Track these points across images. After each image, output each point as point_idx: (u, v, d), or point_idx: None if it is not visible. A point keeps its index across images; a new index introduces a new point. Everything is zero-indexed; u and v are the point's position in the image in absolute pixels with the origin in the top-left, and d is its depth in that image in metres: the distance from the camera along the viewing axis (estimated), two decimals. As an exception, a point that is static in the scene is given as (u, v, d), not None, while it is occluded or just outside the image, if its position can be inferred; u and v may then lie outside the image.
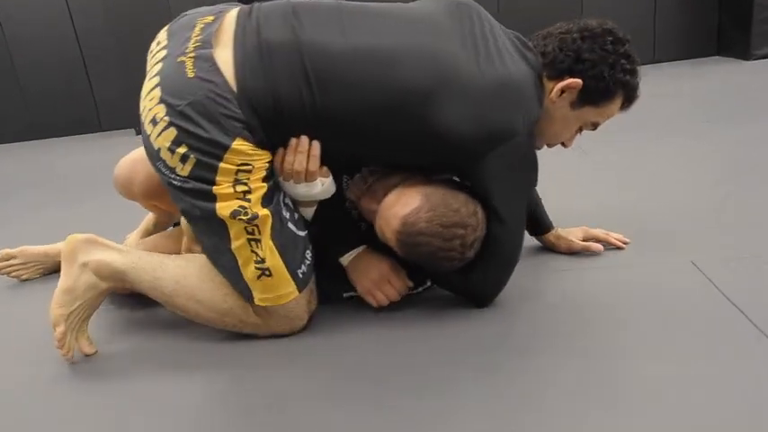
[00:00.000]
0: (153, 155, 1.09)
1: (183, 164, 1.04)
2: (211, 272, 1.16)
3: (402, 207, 1.10)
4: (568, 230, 1.43)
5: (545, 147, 1.29)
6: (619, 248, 1.40)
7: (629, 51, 1.17)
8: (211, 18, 1.12)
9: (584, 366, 0.99)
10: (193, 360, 1.17)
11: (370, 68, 1.05)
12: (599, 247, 1.39)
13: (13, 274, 1.60)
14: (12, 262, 1.59)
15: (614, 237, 1.42)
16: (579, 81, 1.14)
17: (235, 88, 1.02)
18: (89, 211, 2.23)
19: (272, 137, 1.07)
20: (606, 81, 1.15)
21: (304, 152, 1.07)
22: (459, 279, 1.20)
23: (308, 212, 1.19)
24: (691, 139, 2.22)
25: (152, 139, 1.07)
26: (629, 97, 1.20)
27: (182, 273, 1.17)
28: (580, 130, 1.26)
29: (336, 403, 0.97)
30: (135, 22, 3.66)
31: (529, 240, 1.45)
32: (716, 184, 1.75)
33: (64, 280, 1.16)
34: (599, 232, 1.42)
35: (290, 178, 1.10)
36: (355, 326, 1.21)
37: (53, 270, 1.61)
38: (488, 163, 1.10)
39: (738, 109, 2.59)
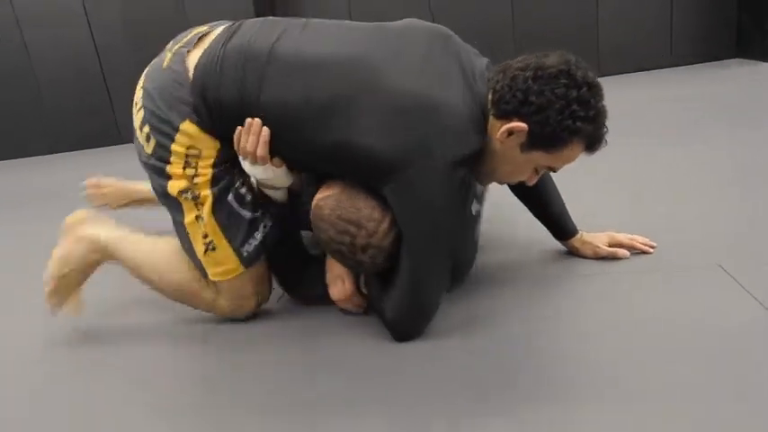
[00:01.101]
0: (135, 137, 1.26)
1: (148, 143, 1.21)
2: (177, 249, 1.30)
3: (321, 191, 1.20)
4: (594, 236, 1.41)
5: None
6: (645, 252, 1.38)
7: (585, 96, 1.04)
8: (205, 28, 1.27)
9: (612, 372, 0.99)
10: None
11: (299, 72, 1.12)
12: (625, 252, 1.37)
13: (98, 202, 1.84)
14: (101, 191, 1.85)
15: (640, 241, 1.39)
16: (524, 125, 1.05)
17: (191, 77, 1.17)
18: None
19: (218, 126, 1.17)
20: (553, 127, 1.04)
21: (255, 134, 1.15)
22: (376, 297, 1.21)
23: (277, 195, 1.30)
24: (711, 142, 2.18)
25: (134, 121, 1.25)
26: (590, 145, 1.09)
27: (152, 248, 1.33)
28: (536, 171, 1.16)
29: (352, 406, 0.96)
30: (153, 37, 3.71)
31: (555, 245, 1.46)
32: (738, 188, 1.72)
33: (60, 248, 1.34)
34: (624, 237, 1.40)
35: (244, 157, 1.19)
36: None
37: (130, 203, 1.86)
38: (395, 185, 1.06)
39: (760, 112, 2.55)
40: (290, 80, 1.12)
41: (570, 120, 1.03)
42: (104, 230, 1.34)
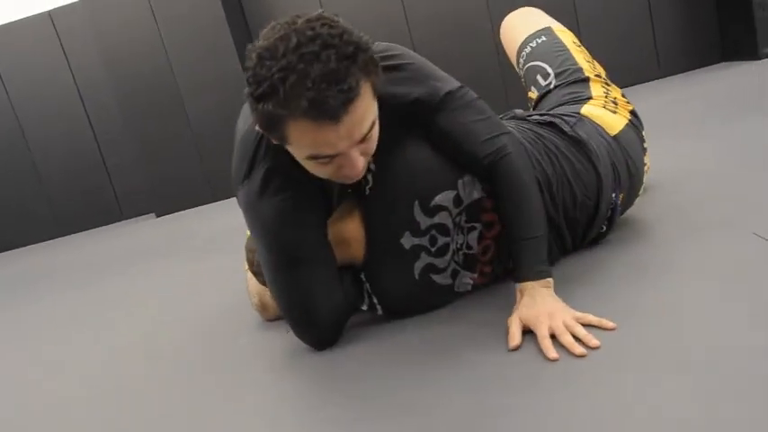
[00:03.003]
0: None
1: None
2: None
3: None
4: (537, 312, 0.96)
5: None
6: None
7: (259, 72, 0.84)
8: None
9: (653, 337, 0.88)
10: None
11: None
12: (553, 355, 0.89)
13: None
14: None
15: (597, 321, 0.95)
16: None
17: None
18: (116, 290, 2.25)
19: None
20: (258, 114, 0.88)
21: None
22: None
23: None
24: (713, 134, 2.11)
25: None
26: (311, 115, 0.83)
27: None
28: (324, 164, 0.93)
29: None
30: (149, 113, 3.80)
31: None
32: (749, 169, 1.62)
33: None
34: (574, 322, 0.93)
35: None
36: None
37: None
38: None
39: (762, 102, 2.49)
40: None
41: (258, 104, 0.85)
42: None
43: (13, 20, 3.99)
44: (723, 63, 3.86)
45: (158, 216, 3.89)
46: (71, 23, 3.93)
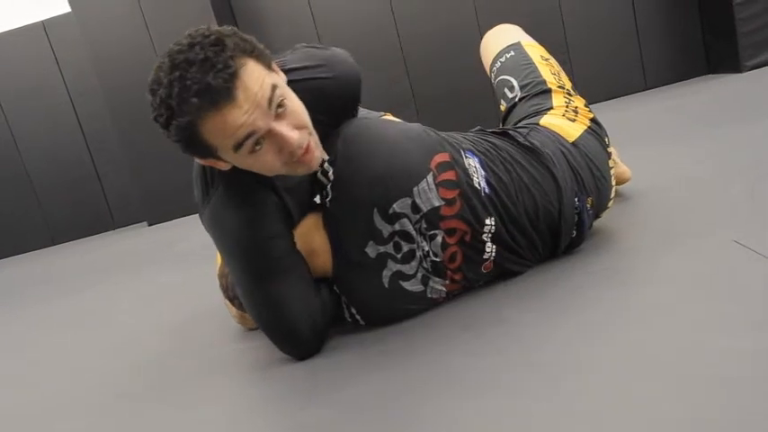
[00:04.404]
0: None
1: None
2: None
3: None
4: None
5: None
6: None
7: (155, 106, 0.91)
8: None
9: (637, 354, 0.89)
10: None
11: None
12: None
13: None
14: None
15: None
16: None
17: None
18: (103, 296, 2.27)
19: None
20: (174, 138, 0.94)
21: None
22: None
23: None
24: (696, 143, 2.16)
25: None
26: (204, 105, 0.88)
27: None
28: (253, 150, 0.95)
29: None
30: (140, 123, 3.82)
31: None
32: (733, 176, 1.65)
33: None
34: None
35: None
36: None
37: None
38: None
39: (743, 112, 2.55)
40: None
41: (169, 130, 0.91)
42: None
43: (6, 29, 4.02)
44: (707, 75, 3.94)
45: (150, 224, 3.90)
46: (64, 34, 3.95)
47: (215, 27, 0.92)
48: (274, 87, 0.93)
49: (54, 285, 2.76)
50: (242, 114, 0.89)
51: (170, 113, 0.88)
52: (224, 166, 1.01)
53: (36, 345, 1.84)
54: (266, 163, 0.97)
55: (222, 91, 0.87)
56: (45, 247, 4.20)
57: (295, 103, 0.97)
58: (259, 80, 0.91)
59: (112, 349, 1.56)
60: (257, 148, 0.93)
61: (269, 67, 0.95)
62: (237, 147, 0.92)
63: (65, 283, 2.73)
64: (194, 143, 0.93)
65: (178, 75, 0.86)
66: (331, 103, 1.10)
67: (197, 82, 0.86)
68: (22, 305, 2.49)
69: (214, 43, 0.88)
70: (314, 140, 1.00)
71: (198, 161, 1.03)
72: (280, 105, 0.93)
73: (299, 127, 0.97)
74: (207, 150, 0.95)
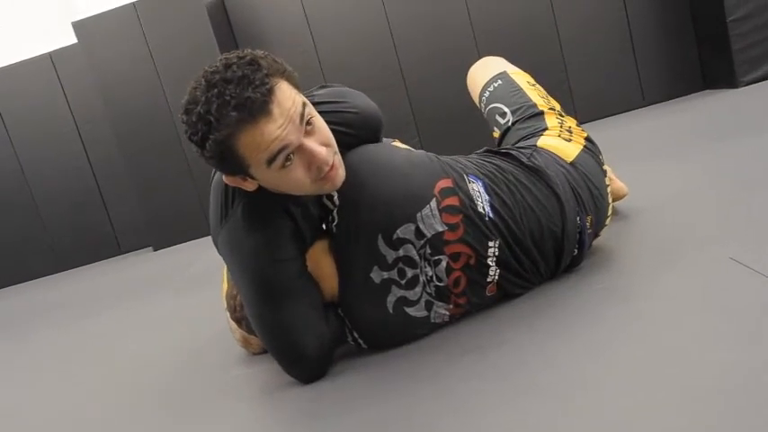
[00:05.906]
0: None
1: None
2: None
3: None
4: None
5: None
6: None
7: (191, 123, 0.97)
8: None
9: (641, 369, 0.91)
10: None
11: None
12: None
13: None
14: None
15: None
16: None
17: None
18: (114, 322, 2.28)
19: None
20: (209, 156, 0.98)
21: None
22: None
23: None
24: (693, 159, 2.18)
25: None
26: (242, 118, 0.93)
27: None
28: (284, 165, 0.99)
29: None
30: (146, 150, 3.88)
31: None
32: (730, 192, 1.68)
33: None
34: None
35: None
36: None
37: None
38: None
39: (740, 128, 2.57)
40: None
41: (205, 148, 0.96)
42: None
43: (14, 62, 4.10)
44: (704, 91, 3.98)
45: (156, 250, 3.93)
46: (71, 65, 4.03)
47: (249, 50, 0.98)
48: (305, 105, 0.99)
49: (62, 311, 2.78)
50: (277, 128, 0.94)
51: (207, 129, 0.93)
52: (250, 186, 1.05)
53: (49, 370, 1.85)
54: (296, 179, 1.01)
55: (260, 105, 0.92)
56: (50, 273, 4.23)
57: (322, 123, 1.03)
58: (291, 97, 0.97)
59: (120, 374, 1.58)
60: (288, 163, 0.99)
61: (297, 88, 1.01)
62: (270, 161, 0.97)
63: (74, 309, 2.74)
64: (229, 158, 0.97)
65: (216, 91, 0.92)
66: (354, 135, 1.16)
67: (235, 97, 0.91)
68: (35, 330, 2.51)
69: (250, 63, 0.95)
70: (338, 159, 1.05)
71: (224, 179, 1.06)
72: (309, 123, 0.99)
73: (326, 144, 1.02)
74: (239, 166, 0.99)
